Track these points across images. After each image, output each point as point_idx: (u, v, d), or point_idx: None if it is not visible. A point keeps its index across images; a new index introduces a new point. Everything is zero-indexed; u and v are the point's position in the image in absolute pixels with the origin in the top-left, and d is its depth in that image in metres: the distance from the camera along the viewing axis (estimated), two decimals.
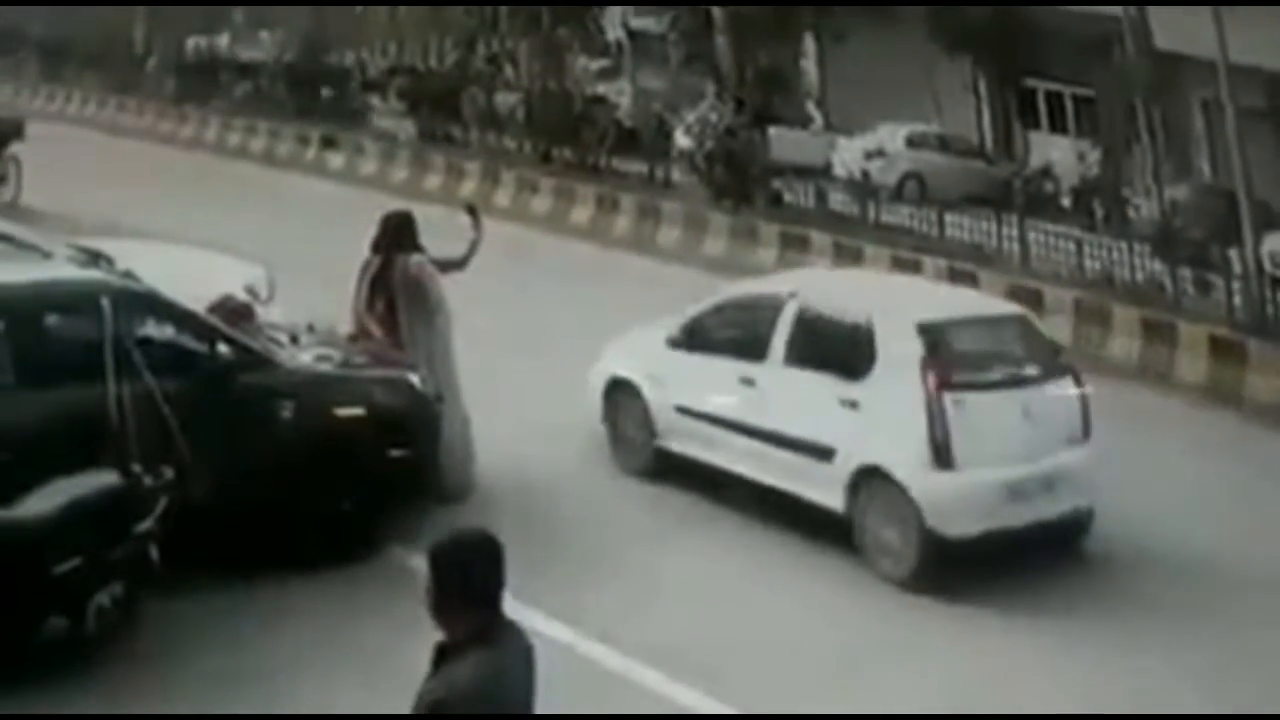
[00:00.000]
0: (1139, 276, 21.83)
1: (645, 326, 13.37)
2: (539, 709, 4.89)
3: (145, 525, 9.06)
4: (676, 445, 12.64)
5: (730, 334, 12.58)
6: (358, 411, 10.78)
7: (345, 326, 12.26)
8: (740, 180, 26.94)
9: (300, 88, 36.69)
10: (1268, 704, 9.16)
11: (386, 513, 10.76)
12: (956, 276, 21.07)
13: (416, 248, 12.44)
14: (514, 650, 4.79)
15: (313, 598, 10.00)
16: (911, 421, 10.91)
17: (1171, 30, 26.94)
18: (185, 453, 9.67)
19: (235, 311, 11.51)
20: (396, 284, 12.21)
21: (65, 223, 18.65)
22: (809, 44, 35.08)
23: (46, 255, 11.07)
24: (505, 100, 32.54)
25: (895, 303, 12.18)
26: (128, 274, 10.82)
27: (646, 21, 34.02)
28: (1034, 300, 20.00)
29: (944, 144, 33.26)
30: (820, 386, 11.55)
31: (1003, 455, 11.01)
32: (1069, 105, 33.44)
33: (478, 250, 12.69)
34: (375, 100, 36.70)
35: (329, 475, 10.49)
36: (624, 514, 12.16)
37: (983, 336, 11.92)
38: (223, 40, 43.37)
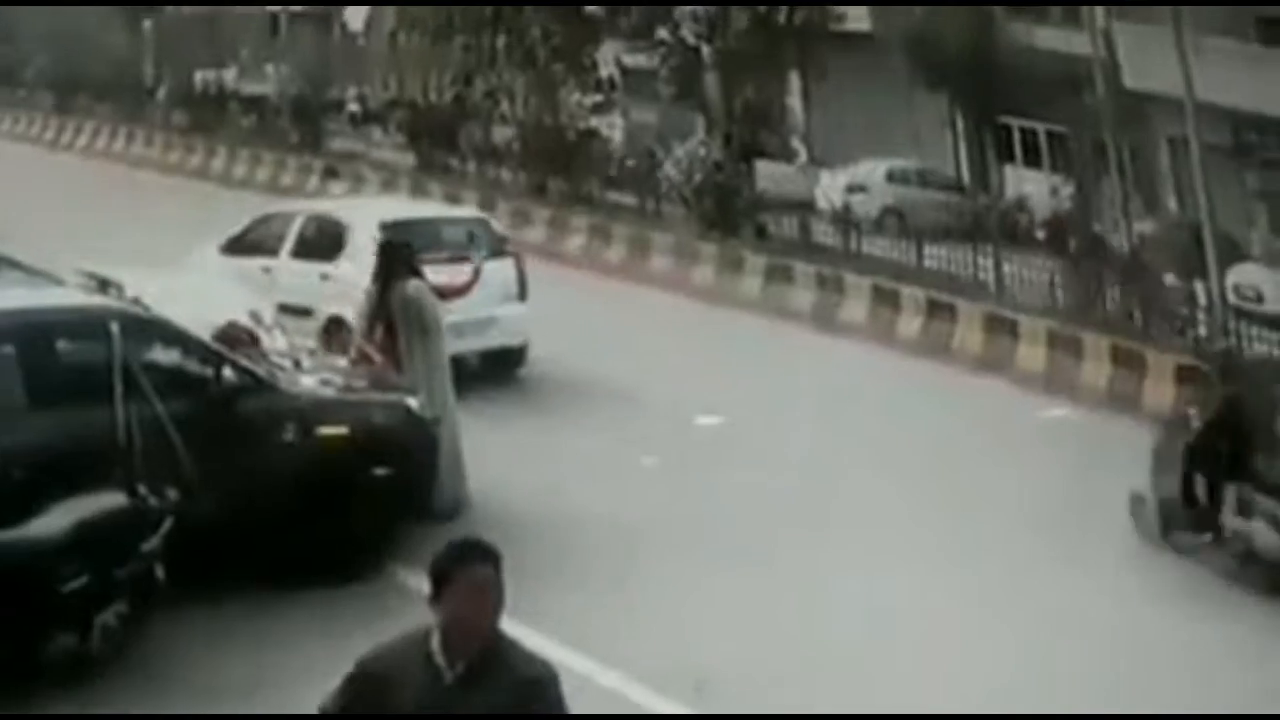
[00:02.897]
0: (1109, 307, 21.82)
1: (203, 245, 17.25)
2: None
3: (151, 545, 9.01)
4: None
5: (260, 239, 17.25)
6: (353, 433, 10.74)
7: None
8: (727, 212, 26.96)
9: (304, 120, 36.73)
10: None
11: (385, 531, 10.70)
12: (934, 306, 21.10)
13: (415, 274, 12.41)
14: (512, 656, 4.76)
15: (315, 615, 9.93)
16: (364, 282, 13.43)
17: (1140, 70, 27.02)
18: (191, 474, 9.63)
19: (240, 338, 11.49)
20: (395, 309, 12.19)
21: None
22: (794, 81, 35.15)
23: (57, 282, 11.04)
24: (502, 133, 32.56)
25: (374, 210, 17.56)
26: (136, 301, 10.79)
27: (638, 59, 34.03)
28: (1009, 329, 20.09)
29: (923, 178, 33.30)
30: (308, 267, 16.23)
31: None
32: (1042, 141, 33.51)
33: (479, 280, 12.65)
34: (378, 133, 36.78)
35: (330, 495, 10.46)
36: None
37: (439, 231, 16.53)
38: (230, 74, 43.39)
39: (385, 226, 15.21)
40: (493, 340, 15.89)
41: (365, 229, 15.57)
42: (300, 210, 18.47)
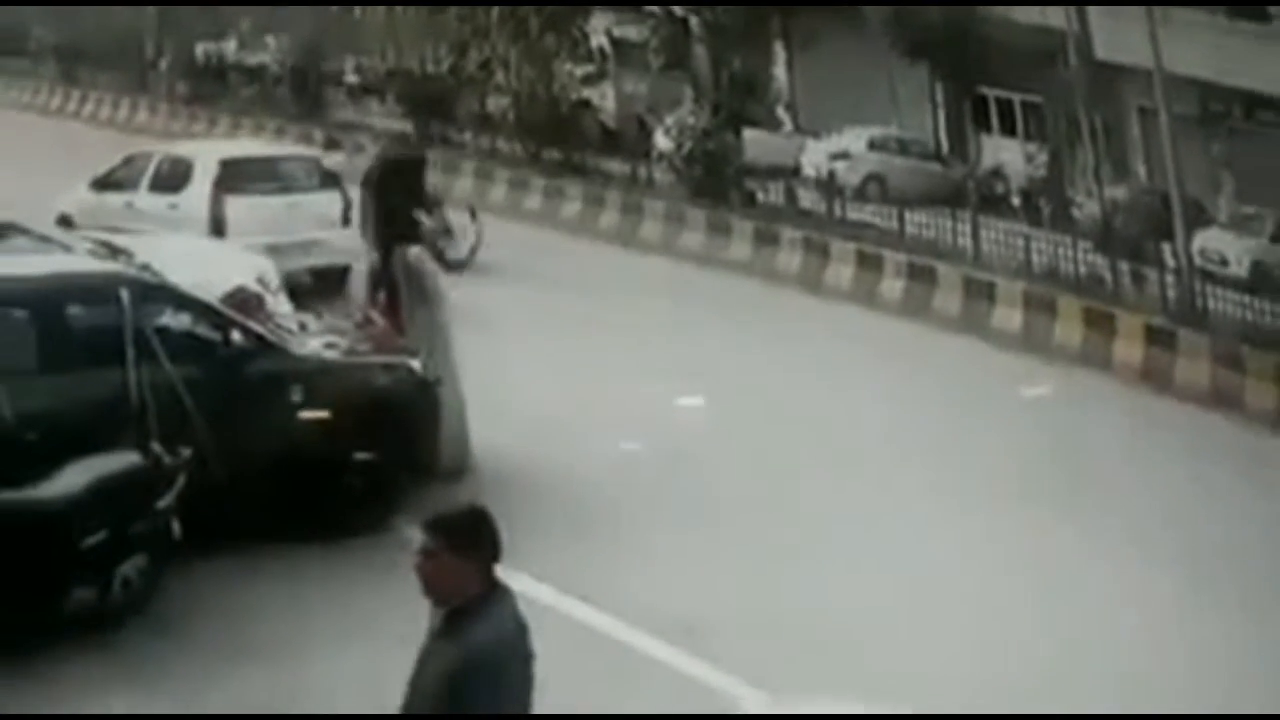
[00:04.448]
0: (1081, 270, 21.89)
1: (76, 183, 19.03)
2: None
3: (166, 501, 9.08)
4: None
5: (123, 176, 18.96)
6: (356, 394, 10.79)
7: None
8: (716, 180, 26.93)
9: (304, 91, 36.57)
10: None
11: (389, 488, 10.72)
12: (915, 270, 21.16)
13: (416, 241, 12.44)
14: (509, 606, 4.93)
15: (322, 567, 10.01)
16: (205, 211, 17.43)
17: (1111, 42, 26.98)
18: (202, 433, 9.68)
19: (248, 302, 11.52)
20: (398, 274, 12.22)
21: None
22: (779, 52, 35.05)
23: (67, 249, 11.06)
24: (497, 103, 32.43)
25: (219, 149, 20.62)
26: (145, 267, 10.82)
27: (628, 30, 33.89)
28: (987, 291, 20.17)
29: (904, 147, 33.24)
30: (161, 199, 18.08)
31: (266, 229, 16.76)
32: (1018, 111, 33.45)
33: (477, 253, 12.65)
34: (376, 104, 36.62)
35: (335, 453, 10.51)
36: None
37: (269, 166, 19.14)
38: (230, 45, 43.12)
39: (225, 163, 18.17)
40: (318, 259, 17.28)
41: (207, 165, 18.24)
42: (158, 151, 20.17)
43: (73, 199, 18.78)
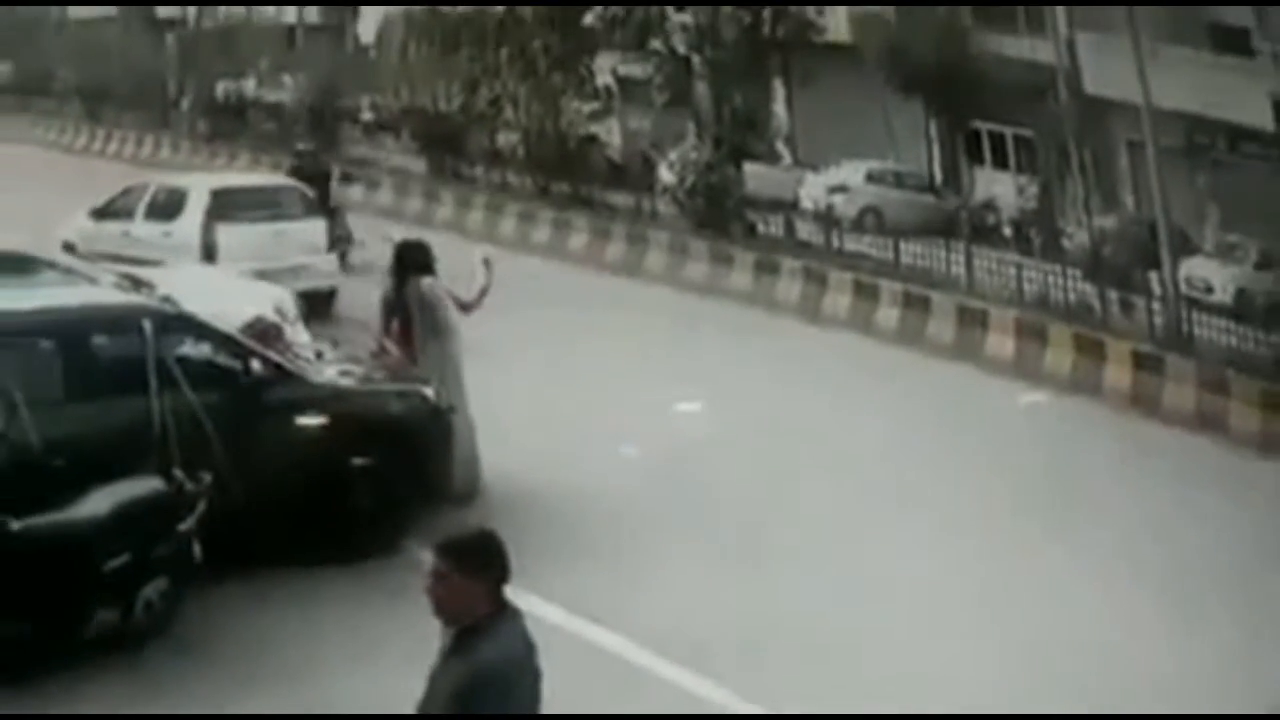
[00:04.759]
0: (1071, 298, 21.91)
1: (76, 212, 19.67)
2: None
3: (187, 525, 9.09)
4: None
5: (121, 206, 19.55)
6: (372, 421, 10.83)
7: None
8: (718, 212, 27.00)
9: (320, 128, 36.68)
10: None
11: (402, 512, 10.73)
12: (910, 298, 21.19)
13: (429, 272, 12.46)
14: (517, 625, 4.95)
15: (337, 588, 10.03)
16: (197, 238, 18.10)
17: (1100, 77, 27.08)
18: (223, 460, 9.70)
19: (266, 331, 11.56)
20: (411, 305, 12.22)
21: None
22: (779, 89, 35.14)
23: (92, 281, 11.11)
24: (507, 139, 32.54)
25: (208, 180, 21.14)
26: (166, 298, 10.86)
27: (633, 68, 33.98)
28: (980, 319, 20.19)
29: (899, 180, 33.30)
30: (156, 226, 18.65)
31: (255, 255, 17.39)
32: (1010, 144, 33.51)
33: (485, 297, 12.67)
34: (390, 140, 36.72)
35: (350, 478, 10.54)
36: None
37: (258, 196, 19.74)
38: (249, 84, 43.31)
39: (216, 193, 19.00)
40: (304, 283, 17.22)
41: (200, 195, 18.90)
42: (154, 182, 20.78)
43: (74, 227, 19.34)
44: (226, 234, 18.25)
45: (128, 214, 19.39)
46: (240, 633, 9.35)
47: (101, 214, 19.70)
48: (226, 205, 18.77)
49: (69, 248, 17.68)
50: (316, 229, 19.26)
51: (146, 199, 19.53)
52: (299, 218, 19.32)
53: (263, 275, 16.03)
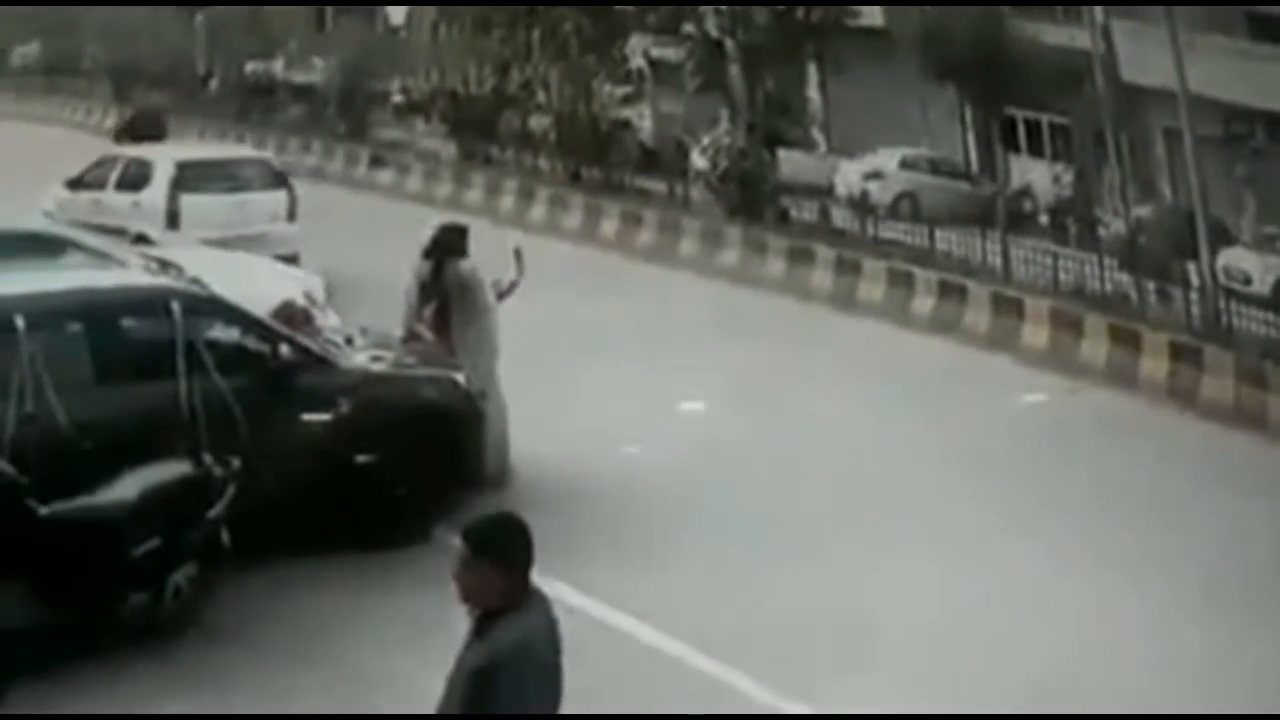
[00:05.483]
0: (1108, 288, 21.75)
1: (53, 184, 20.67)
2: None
3: (216, 510, 9.09)
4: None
5: (94, 177, 20.63)
6: (404, 406, 10.80)
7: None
8: (751, 198, 26.86)
9: (350, 110, 36.70)
10: None
11: (434, 498, 10.67)
12: (946, 287, 21.06)
13: (465, 255, 12.39)
14: (542, 611, 4.97)
15: (368, 573, 10.02)
16: (162, 208, 19.27)
17: (1137, 64, 26.87)
18: (251, 443, 9.69)
19: (295, 316, 11.55)
20: (450, 288, 12.14)
21: None
22: (813, 74, 35.00)
23: (121, 264, 11.11)
24: (538, 123, 32.48)
25: (176, 151, 22.78)
26: (195, 281, 10.86)
27: (666, 52, 33.89)
28: (1015, 308, 20.04)
29: (934, 166, 33.15)
30: (125, 196, 19.73)
31: (218, 224, 18.56)
32: (1046, 131, 33.34)
33: (516, 290, 12.63)
34: (421, 123, 36.70)
35: (381, 463, 10.52)
36: None
37: (222, 168, 20.85)
38: (278, 65, 43.36)
39: (181, 165, 20.01)
40: (266, 251, 17.69)
41: (166, 167, 19.97)
42: (123, 154, 22.07)
43: (52, 195, 20.45)
44: (189, 203, 19.38)
45: (100, 184, 20.46)
46: (272, 620, 9.34)
47: (76, 184, 20.74)
48: (191, 177, 19.87)
49: (47, 216, 18.31)
50: (277, 199, 20.20)
51: (118, 170, 20.63)
52: (261, 188, 20.34)
53: (225, 243, 17.13)
